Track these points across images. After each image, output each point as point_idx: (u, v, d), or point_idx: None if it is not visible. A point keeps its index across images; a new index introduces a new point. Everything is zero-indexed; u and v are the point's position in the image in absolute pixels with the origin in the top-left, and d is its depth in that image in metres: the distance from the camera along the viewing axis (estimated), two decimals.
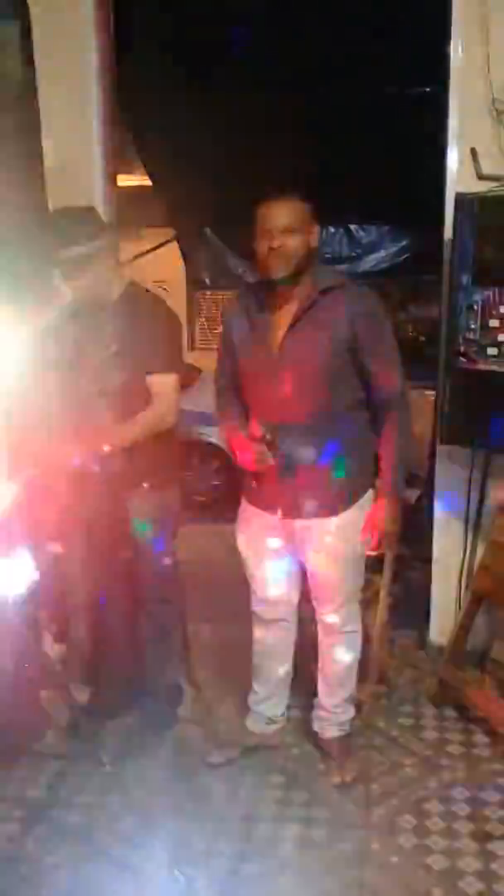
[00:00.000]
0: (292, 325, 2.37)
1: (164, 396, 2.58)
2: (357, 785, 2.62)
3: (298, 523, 2.47)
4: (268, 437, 2.38)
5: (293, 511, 2.46)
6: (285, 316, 2.38)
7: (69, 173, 3.12)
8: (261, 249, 2.34)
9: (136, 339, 2.54)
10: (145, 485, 2.63)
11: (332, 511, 2.44)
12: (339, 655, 2.62)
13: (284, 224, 2.30)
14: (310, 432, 2.39)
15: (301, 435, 2.39)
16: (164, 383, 2.58)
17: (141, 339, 2.55)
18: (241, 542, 2.63)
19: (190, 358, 7.64)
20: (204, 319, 10.04)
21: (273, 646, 2.70)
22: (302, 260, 2.33)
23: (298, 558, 2.57)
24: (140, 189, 5.82)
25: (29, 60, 2.93)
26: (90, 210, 2.57)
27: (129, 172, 6.10)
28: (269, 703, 2.75)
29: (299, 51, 3.92)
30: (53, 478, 2.53)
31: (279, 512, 2.48)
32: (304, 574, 2.62)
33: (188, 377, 6.37)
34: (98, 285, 2.54)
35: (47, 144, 2.99)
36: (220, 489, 5.83)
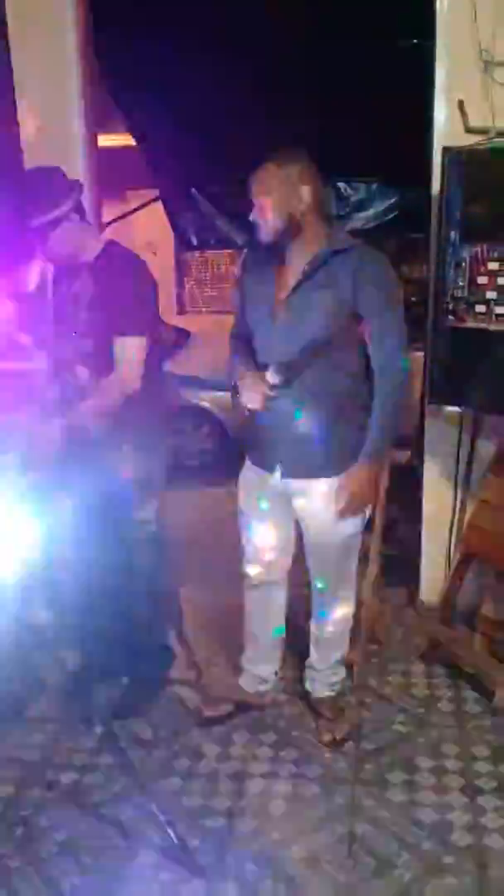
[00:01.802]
0: (297, 284, 2.34)
1: (126, 361, 2.50)
2: (348, 742, 2.64)
3: (294, 483, 2.47)
4: (277, 381, 2.32)
5: (288, 470, 2.46)
6: (291, 274, 2.36)
7: (46, 133, 3.05)
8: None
9: (106, 299, 2.50)
10: (125, 446, 2.60)
11: (328, 472, 2.44)
12: (331, 621, 2.64)
13: (258, 192, 2.30)
14: (307, 391, 2.37)
15: (298, 393, 2.37)
16: (128, 347, 2.50)
17: (111, 299, 2.50)
18: (241, 500, 2.63)
19: (180, 321, 7.59)
20: (193, 282, 9.92)
21: (264, 609, 2.71)
22: (287, 223, 2.30)
23: (294, 520, 2.58)
24: (124, 149, 5.72)
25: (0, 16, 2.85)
26: (55, 171, 2.50)
27: (112, 132, 5.99)
28: (261, 664, 2.77)
29: (284, 5, 3.83)
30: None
31: (276, 471, 2.48)
32: (299, 537, 2.62)
33: (177, 340, 6.36)
34: (72, 247, 2.50)
35: (22, 104, 2.92)
36: (211, 453, 5.83)
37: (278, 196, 2.28)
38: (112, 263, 2.55)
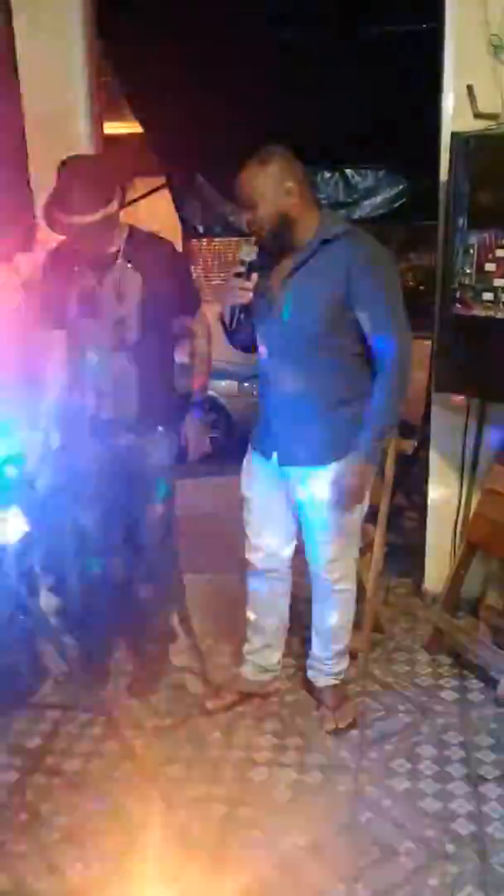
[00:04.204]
0: (291, 274, 2.35)
1: (208, 334, 2.75)
2: (351, 731, 2.65)
3: (292, 470, 2.47)
4: (243, 262, 2.31)
5: (288, 457, 2.46)
6: (287, 265, 2.37)
7: (52, 121, 3.01)
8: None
9: (161, 286, 2.53)
10: (160, 428, 2.65)
11: (325, 460, 2.42)
12: (331, 613, 2.63)
13: (245, 202, 2.29)
14: (304, 379, 2.37)
15: (295, 381, 2.37)
16: (204, 318, 2.72)
17: (166, 285, 2.54)
18: (243, 485, 2.63)
19: None
20: (200, 270, 9.88)
21: (266, 598, 2.71)
22: (281, 221, 2.29)
23: (295, 510, 2.57)
24: (131, 136, 5.70)
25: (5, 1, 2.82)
26: (107, 163, 2.47)
27: (119, 119, 5.97)
28: (264, 653, 2.77)
29: None
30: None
31: (275, 457, 2.48)
32: (300, 527, 2.61)
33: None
34: (107, 241, 2.48)
35: (27, 91, 2.88)
36: (218, 442, 5.81)
37: (267, 197, 2.26)
38: (148, 251, 2.55)
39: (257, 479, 2.58)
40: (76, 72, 3.14)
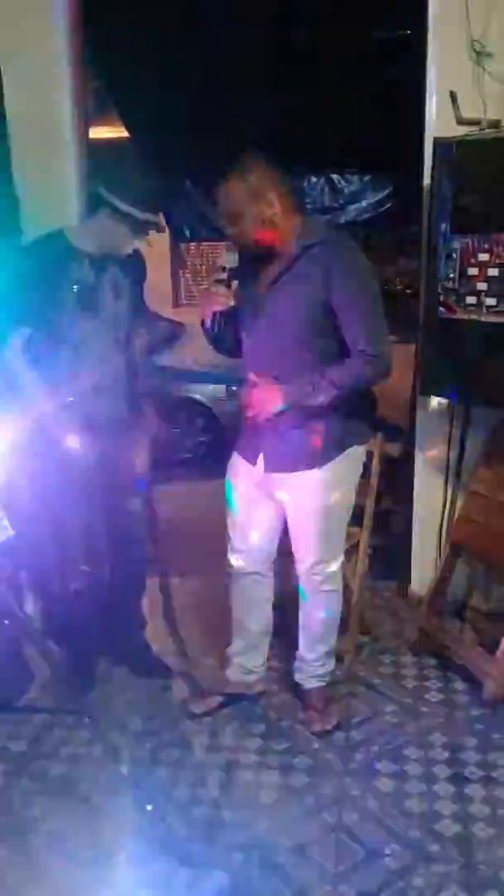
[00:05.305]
0: (275, 280, 2.37)
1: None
2: (337, 732, 2.65)
3: (276, 475, 2.48)
4: (224, 269, 2.38)
5: (273, 462, 2.47)
6: (271, 270, 2.39)
7: (36, 125, 3.01)
8: None
9: (133, 287, 2.64)
10: (140, 432, 2.71)
11: (309, 464, 2.43)
12: (317, 613, 2.64)
13: (227, 209, 2.34)
14: (290, 383, 2.37)
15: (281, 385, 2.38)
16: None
17: (136, 287, 2.66)
18: (227, 488, 2.64)
19: (175, 314, 7.58)
20: (188, 274, 9.86)
21: (249, 599, 2.71)
22: (262, 230, 2.33)
23: (280, 511, 2.58)
24: (119, 141, 5.71)
25: None
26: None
27: (106, 124, 5.97)
28: (248, 654, 2.77)
29: None
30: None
31: (259, 464, 2.48)
32: (286, 528, 2.62)
33: (172, 333, 6.36)
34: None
35: (11, 94, 2.87)
36: (205, 446, 5.84)
37: (247, 208, 2.30)
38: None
39: (242, 482, 2.59)
40: (62, 75, 3.14)
